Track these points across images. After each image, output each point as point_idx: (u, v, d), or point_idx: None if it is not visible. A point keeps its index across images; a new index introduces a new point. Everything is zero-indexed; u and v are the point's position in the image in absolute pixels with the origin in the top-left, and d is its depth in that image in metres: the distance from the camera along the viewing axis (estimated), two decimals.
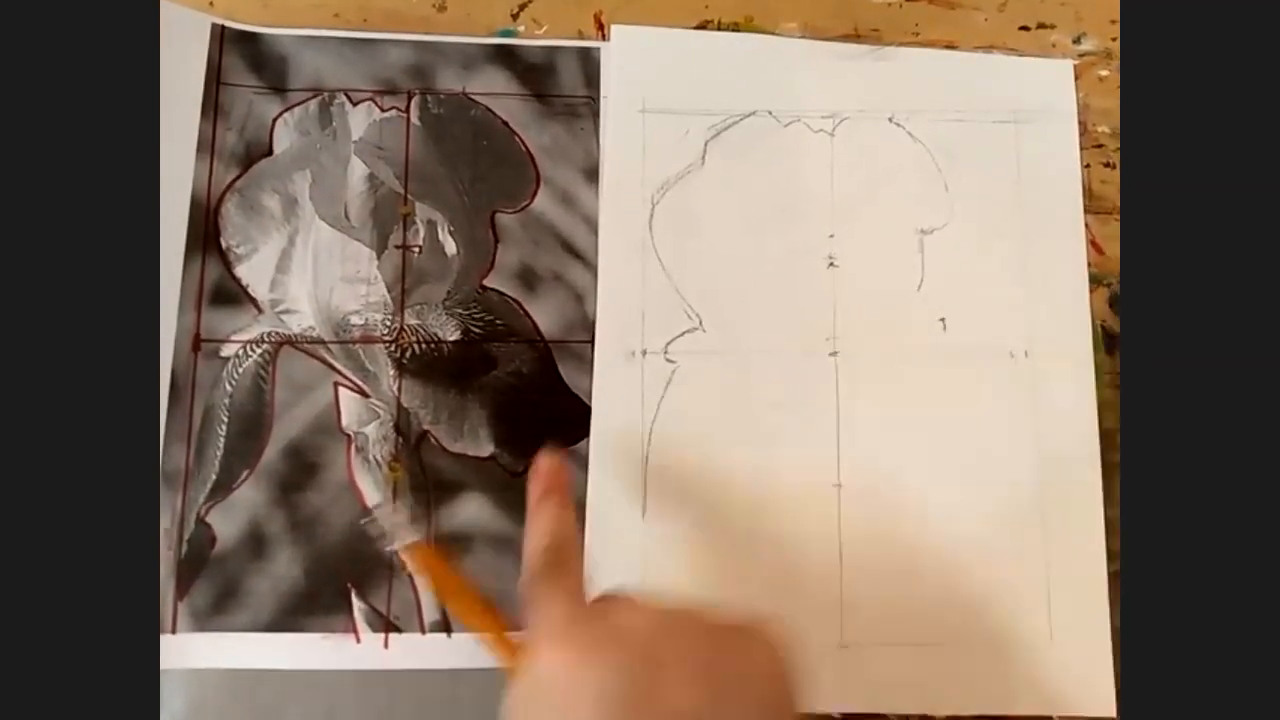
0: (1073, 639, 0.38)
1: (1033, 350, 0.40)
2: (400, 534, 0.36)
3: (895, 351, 0.41)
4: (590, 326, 0.41)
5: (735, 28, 0.44)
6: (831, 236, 0.42)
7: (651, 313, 0.41)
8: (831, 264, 0.41)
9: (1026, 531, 0.39)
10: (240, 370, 0.39)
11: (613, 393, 0.40)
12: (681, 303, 0.41)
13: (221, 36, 0.42)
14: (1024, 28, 0.45)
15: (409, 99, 0.43)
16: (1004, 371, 0.40)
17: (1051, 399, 0.40)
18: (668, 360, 0.40)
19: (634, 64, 0.43)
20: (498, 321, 0.41)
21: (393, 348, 0.40)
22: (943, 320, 0.41)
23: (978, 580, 0.38)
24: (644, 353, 0.40)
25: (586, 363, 0.40)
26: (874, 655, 0.38)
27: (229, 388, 0.39)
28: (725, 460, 0.39)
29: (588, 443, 0.39)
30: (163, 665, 0.36)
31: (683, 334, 0.41)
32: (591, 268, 0.41)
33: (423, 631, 0.37)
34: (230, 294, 0.40)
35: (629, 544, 0.38)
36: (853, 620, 0.38)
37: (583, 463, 0.39)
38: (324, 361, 0.40)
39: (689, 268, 0.41)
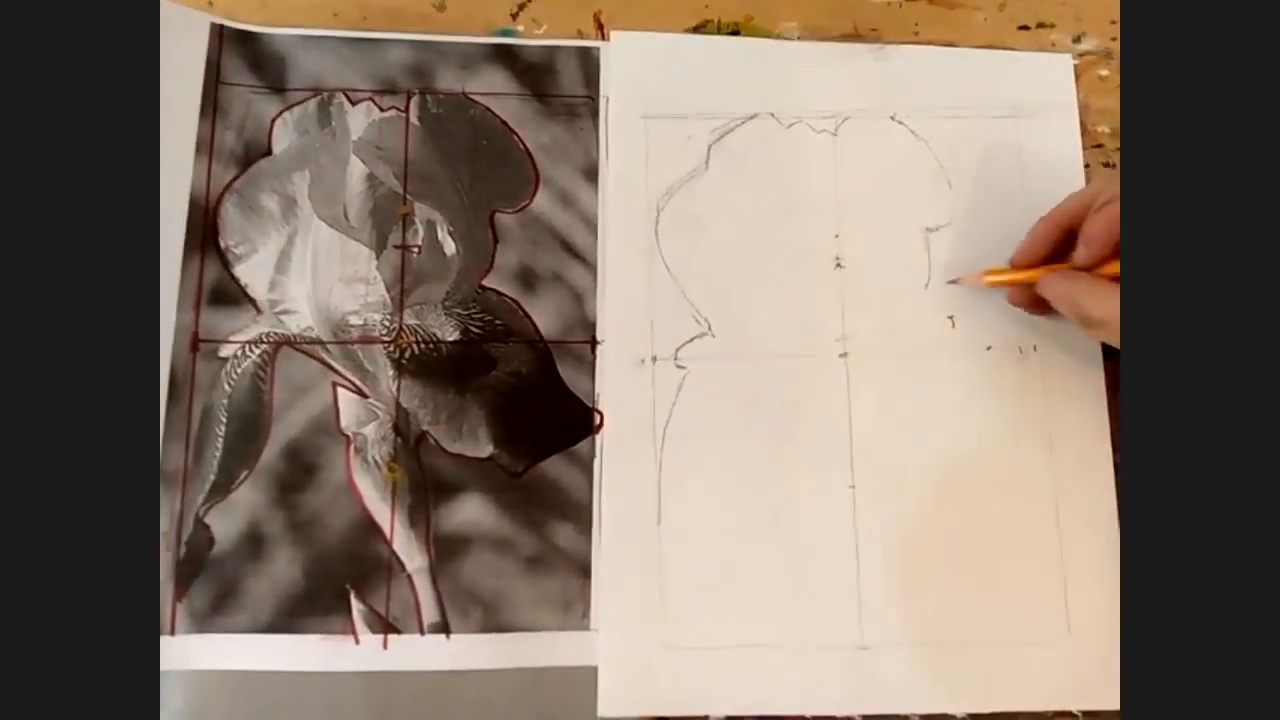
0: (1090, 631, 0.38)
1: (1042, 345, 0.40)
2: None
3: (905, 351, 0.41)
4: (590, 327, 0.41)
5: (735, 27, 0.44)
6: (837, 237, 0.42)
7: (660, 319, 0.41)
8: (838, 264, 0.41)
9: (1041, 526, 0.39)
10: (239, 370, 0.39)
11: (623, 400, 0.40)
12: (690, 308, 0.41)
13: (221, 36, 0.42)
14: (1024, 27, 0.45)
15: (408, 99, 0.42)
16: (1014, 368, 0.40)
17: (1062, 393, 0.40)
18: (678, 366, 0.40)
19: (634, 70, 0.43)
20: (497, 322, 0.40)
21: (392, 348, 0.40)
22: (951, 318, 0.41)
23: (994, 576, 0.38)
24: (654, 359, 0.40)
25: (586, 363, 0.40)
26: (893, 656, 0.37)
27: (228, 388, 0.39)
28: (739, 464, 0.39)
29: (588, 443, 0.39)
30: (162, 667, 0.36)
31: (692, 339, 0.40)
32: (591, 268, 0.41)
33: (421, 632, 0.37)
34: (229, 294, 0.40)
35: (645, 549, 0.38)
36: (871, 622, 0.38)
37: (582, 463, 0.39)
38: (323, 362, 0.40)
39: (696, 273, 0.41)
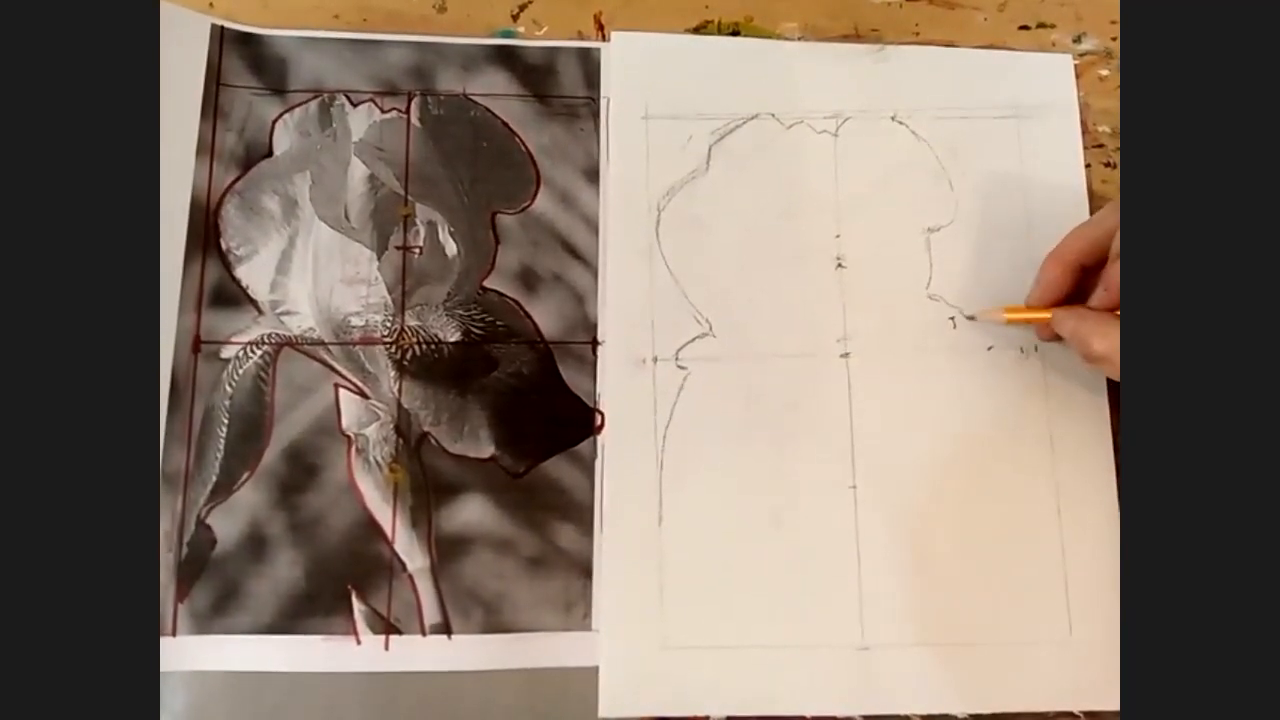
0: (1090, 631, 0.38)
1: (1042, 346, 0.40)
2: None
3: (906, 351, 0.41)
4: (591, 327, 0.41)
5: (735, 28, 0.44)
6: (838, 237, 0.42)
7: (661, 320, 0.41)
8: (839, 265, 0.41)
9: (1041, 526, 0.39)
10: (240, 372, 0.39)
11: (624, 400, 0.40)
12: (690, 309, 0.41)
13: (221, 38, 0.42)
14: (1024, 27, 0.45)
15: (409, 100, 0.43)
16: (1014, 368, 0.40)
17: (1062, 393, 0.40)
18: (679, 367, 0.40)
19: (635, 70, 0.43)
20: (498, 322, 0.41)
21: (393, 349, 0.40)
22: (952, 319, 0.41)
23: (995, 577, 0.38)
24: (655, 360, 0.40)
25: (587, 364, 0.40)
26: (894, 656, 0.37)
27: (229, 389, 0.39)
28: (740, 464, 0.39)
29: (589, 443, 0.39)
30: (163, 668, 0.36)
31: (693, 340, 0.40)
32: (592, 269, 0.41)
33: (423, 633, 0.37)
34: (230, 295, 0.40)
35: (646, 550, 0.38)
36: (872, 622, 0.38)
37: (583, 463, 0.39)
38: (324, 363, 0.40)
39: (697, 273, 0.41)
